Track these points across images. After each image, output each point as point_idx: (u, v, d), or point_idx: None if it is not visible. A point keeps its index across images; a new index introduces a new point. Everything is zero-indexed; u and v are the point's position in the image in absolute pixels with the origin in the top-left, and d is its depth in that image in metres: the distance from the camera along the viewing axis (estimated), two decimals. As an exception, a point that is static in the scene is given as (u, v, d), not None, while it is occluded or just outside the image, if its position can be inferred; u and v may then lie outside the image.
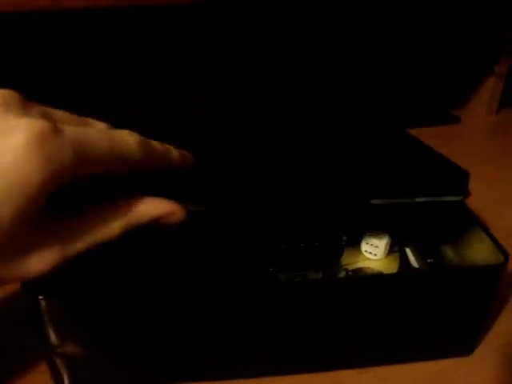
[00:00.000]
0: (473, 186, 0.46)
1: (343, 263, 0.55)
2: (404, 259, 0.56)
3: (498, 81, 0.95)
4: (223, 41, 0.77)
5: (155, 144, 0.38)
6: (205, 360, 0.45)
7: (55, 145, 0.30)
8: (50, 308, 0.39)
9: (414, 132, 0.65)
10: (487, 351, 0.49)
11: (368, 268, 0.54)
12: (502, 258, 0.43)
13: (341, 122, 0.69)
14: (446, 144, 0.86)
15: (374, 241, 0.55)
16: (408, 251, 0.57)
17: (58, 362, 0.43)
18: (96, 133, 0.34)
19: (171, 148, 0.40)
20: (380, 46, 0.84)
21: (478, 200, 0.54)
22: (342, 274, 0.53)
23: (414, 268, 0.55)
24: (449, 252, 0.55)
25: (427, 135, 0.82)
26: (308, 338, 0.45)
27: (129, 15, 0.68)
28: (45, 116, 0.33)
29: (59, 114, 0.36)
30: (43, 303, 0.39)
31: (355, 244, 0.56)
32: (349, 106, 0.82)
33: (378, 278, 0.48)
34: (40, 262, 0.33)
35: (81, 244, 0.35)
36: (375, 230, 0.56)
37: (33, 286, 0.39)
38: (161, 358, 0.44)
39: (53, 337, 0.41)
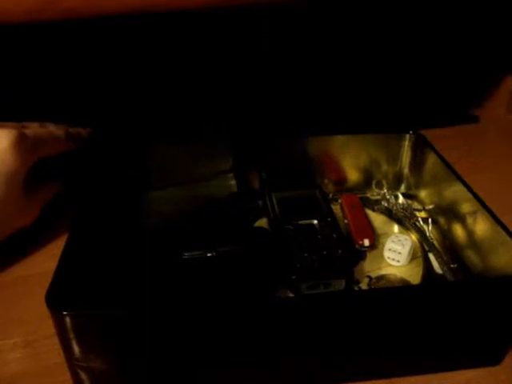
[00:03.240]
0: (493, 186, 0.45)
1: (366, 270, 0.54)
2: (428, 265, 0.55)
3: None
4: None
5: (70, 129, 0.63)
6: (236, 374, 0.44)
7: (24, 143, 0.55)
8: (74, 323, 0.39)
9: (431, 132, 0.65)
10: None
11: (391, 274, 0.54)
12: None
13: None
14: (465, 144, 0.86)
15: (397, 247, 0.54)
16: (431, 257, 0.56)
17: (83, 376, 0.42)
18: (44, 132, 0.60)
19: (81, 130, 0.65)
20: (397, 45, 0.83)
21: (499, 201, 0.52)
22: (365, 280, 0.53)
23: (438, 275, 0.54)
24: (472, 257, 0.54)
25: (445, 135, 0.82)
26: (334, 350, 0.44)
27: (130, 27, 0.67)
28: (16, 127, 0.56)
29: (24, 123, 0.60)
30: (68, 319, 0.38)
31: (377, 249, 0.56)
32: (363, 106, 0.82)
33: (404, 288, 0.47)
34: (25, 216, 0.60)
35: None
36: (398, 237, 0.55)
37: (58, 301, 0.38)
38: (185, 373, 0.43)
39: (77, 351, 0.40)
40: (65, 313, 0.38)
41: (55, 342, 0.42)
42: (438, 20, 0.82)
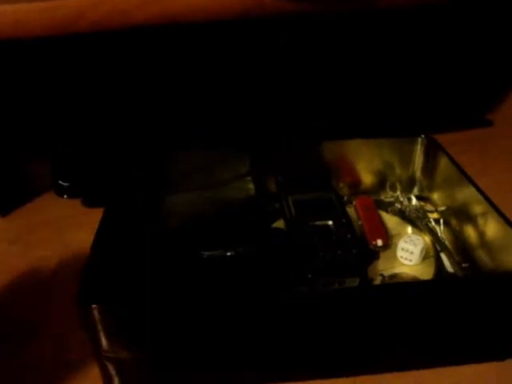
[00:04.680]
0: (506, 188, 0.47)
1: (379, 269, 0.56)
2: (439, 264, 0.57)
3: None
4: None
5: None
6: (254, 365, 0.46)
7: None
8: (101, 316, 0.41)
9: (445, 136, 0.66)
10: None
11: (403, 273, 0.56)
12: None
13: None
14: (478, 147, 0.87)
15: (410, 247, 0.56)
16: (443, 256, 0.58)
17: (109, 366, 0.45)
18: None
19: None
20: (412, 50, 0.84)
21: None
22: (378, 279, 0.55)
23: (450, 274, 0.56)
24: (483, 256, 0.56)
25: (459, 139, 0.83)
26: (347, 343, 0.46)
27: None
28: None
29: None
30: (96, 311, 0.41)
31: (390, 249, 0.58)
32: (377, 110, 0.83)
33: (416, 284, 0.49)
34: None
35: None
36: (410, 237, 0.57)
37: (86, 295, 0.41)
38: (209, 364, 0.45)
39: (104, 343, 0.43)
40: (93, 306, 0.41)
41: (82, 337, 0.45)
42: (452, 23, 0.83)
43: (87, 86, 0.72)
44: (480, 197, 0.55)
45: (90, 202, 0.69)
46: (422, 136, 0.65)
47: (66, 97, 0.72)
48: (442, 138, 0.66)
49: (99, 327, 0.42)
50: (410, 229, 0.62)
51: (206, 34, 0.72)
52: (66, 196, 0.71)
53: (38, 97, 0.72)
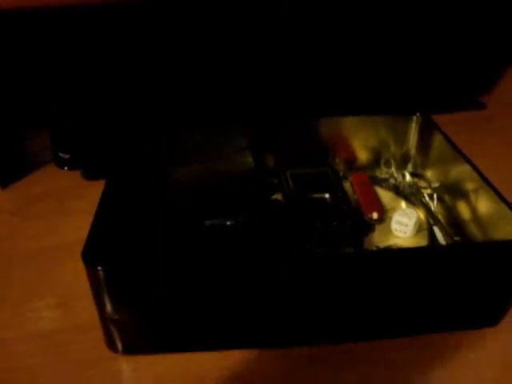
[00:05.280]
0: (498, 168, 0.48)
1: (375, 241, 0.57)
2: (432, 237, 0.59)
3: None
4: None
5: None
6: (251, 328, 0.48)
7: None
8: (107, 277, 0.43)
9: (439, 118, 0.68)
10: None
11: (398, 246, 0.57)
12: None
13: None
14: (472, 128, 0.89)
15: (404, 220, 0.57)
16: (436, 230, 0.59)
17: (112, 328, 0.46)
18: None
19: None
20: (408, 30, 0.85)
21: (504, 182, 0.55)
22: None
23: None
24: (475, 231, 0.57)
25: (452, 120, 0.85)
26: (343, 309, 0.48)
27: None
28: None
29: None
30: (101, 273, 0.42)
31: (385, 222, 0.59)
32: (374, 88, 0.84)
33: (407, 251, 0.51)
34: None
35: None
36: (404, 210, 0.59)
37: (93, 257, 0.42)
38: (211, 325, 0.47)
39: (108, 304, 0.44)
40: (99, 268, 0.42)
41: (86, 304, 0.47)
42: (449, 5, 0.84)
43: (88, 58, 0.72)
44: (473, 173, 0.56)
45: (90, 174, 0.70)
46: (417, 114, 0.67)
47: (66, 68, 0.72)
48: (436, 119, 0.67)
49: (103, 288, 0.43)
50: (404, 204, 0.64)
51: (212, 13, 0.73)
52: (66, 168, 0.72)
53: (38, 68, 0.72)
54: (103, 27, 0.70)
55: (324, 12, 0.77)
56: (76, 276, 0.47)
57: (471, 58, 0.93)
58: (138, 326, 0.46)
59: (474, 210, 0.58)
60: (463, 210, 0.60)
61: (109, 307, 0.45)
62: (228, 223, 0.54)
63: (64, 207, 0.67)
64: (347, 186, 0.66)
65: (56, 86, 0.74)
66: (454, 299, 0.49)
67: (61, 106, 0.74)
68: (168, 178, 0.62)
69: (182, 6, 0.70)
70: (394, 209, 0.62)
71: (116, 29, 0.71)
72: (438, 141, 0.65)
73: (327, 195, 0.59)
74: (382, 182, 0.67)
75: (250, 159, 0.64)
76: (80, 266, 0.43)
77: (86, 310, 0.49)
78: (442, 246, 0.56)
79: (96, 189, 0.53)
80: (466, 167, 0.58)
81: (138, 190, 0.58)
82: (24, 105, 0.74)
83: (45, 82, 0.73)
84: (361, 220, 0.59)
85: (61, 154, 0.71)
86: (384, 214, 0.61)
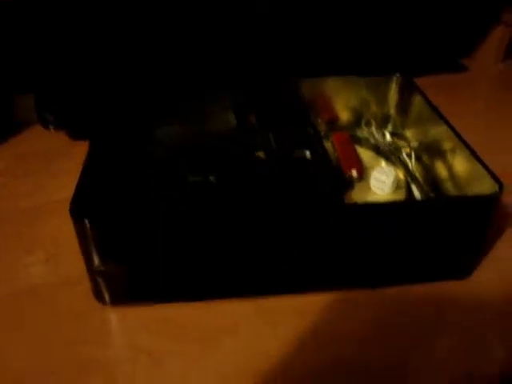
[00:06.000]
0: (478, 129, 0.49)
1: (354, 198, 0.59)
2: (410, 195, 0.61)
3: (505, 30, 0.97)
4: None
5: None
6: (240, 275, 0.50)
7: None
8: (93, 229, 0.44)
9: (420, 80, 0.69)
10: (484, 274, 0.54)
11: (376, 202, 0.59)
12: (497, 187, 0.48)
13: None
14: (452, 91, 0.90)
15: (382, 177, 0.59)
16: (413, 187, 0.61)
17: (100, 280, 0.48)
18: None
19: None
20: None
21: (482, 142, 0.57)
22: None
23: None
24: (451, 188, 0.59)
25: (433, 83, 0.86)
26: (324, 257, 0.50)
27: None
28: None
29: None
30: (88, 225, 0.44)
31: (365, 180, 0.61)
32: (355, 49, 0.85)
33: (383, 205, 0.53)
34: None
35: None
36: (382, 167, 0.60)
37: (79, 210, 0.44)
38: (198, 274, 0.49)
39: (95, 257, 0.46)
40: (86, 220, 0.44)
41: (73, 258, 0.48)
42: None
43: (73, 23, 0.73)
44: (450, 133, 0.58)
45: (76, 134, 0.71)
46: (398, 75, 0.68)
47: (51, 33, 0.73)
48: (418, 81, 0.68)
49: (90, 241, 0.45)
50: (383, 162, 0.65)
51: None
52: (51, 128, 0.72)
53: (24, 35, 0.72)
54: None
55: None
56: (63, 232, 0.49)
57: (454, 21, 0.94)
58: (125, 277, 0.48)
59: (450, 168, 0.59)
60: (440, 168, 0.62)
61: (96, 259, 0.46)
62: (210, 179, 0.56)
63: (50, 167, 0.68)
64: (329, 145, 0.67)
65: (41, 50, 0.74)
66: (430, 252, 0.51)
67: (45, 68, 0.74)
68: (153, 137, 0.63)
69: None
70: (373, 167, 0.63)
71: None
72: (417, 101, 0.66)
73: (308, 153, 0.61)
74: (362, 142, 0.69)
75: (233, 118, 0.65)
76: (67, 222, 0.45)
77: (73, 264, 0.51)
78: (415, 200, 0.58)
79: (82, 148, 0.54)
80: (444, 127, 0.59)
81: (123, 148, 0.59)
82: (9, 68, 0.74)
83: (30, 46, 0.74)
84: (341, 177, 0.61)
85: (46, 115, 0.71)
86: (364, 172, 0.62)
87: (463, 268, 0.54)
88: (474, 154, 0.54)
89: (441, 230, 0.50)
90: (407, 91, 0.68)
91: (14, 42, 0.73)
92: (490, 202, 0.50)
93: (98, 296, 0.50)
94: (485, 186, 0.50)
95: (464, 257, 0.53)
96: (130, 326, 0.50)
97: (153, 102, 0.65)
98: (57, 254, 0.56)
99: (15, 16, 0.71)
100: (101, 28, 0.74)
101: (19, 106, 0.75)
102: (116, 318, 0.51)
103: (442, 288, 0.53)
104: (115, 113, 0.63)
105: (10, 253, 0.57)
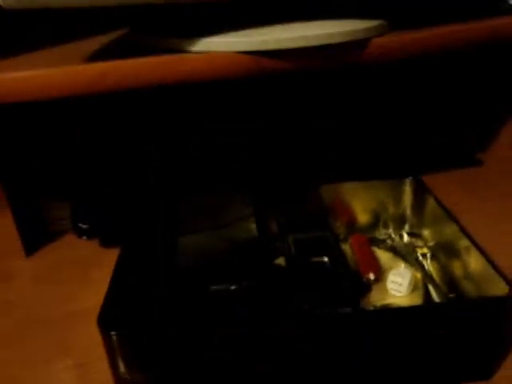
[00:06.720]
0: (496, 224, 0.49)
1: (371, 300, 0.61)
2: (427, 296, 0.62)
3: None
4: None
5: None
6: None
7: None
8: (120, 342, 0.47)
9: (436, 176, 0.72)
10: (506, 375, 0.54)
11: (394, 304, 0.61)
12: (507, 290, 0.49)
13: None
14: (467, 187, 0.92)
15: (398, 279, 0.61)
16: (430, 288, 0.63)
17: (126, 388, 0.50)
18: None
19: None
20: (402, 93, 0.89)
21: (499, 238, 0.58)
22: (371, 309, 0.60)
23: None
24: (468, 287, 0.60)
25: (449, 178, 0.88)
26: (339, 365, 0.51)
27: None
28: None
29: None
30: (115, 338, 0.47)
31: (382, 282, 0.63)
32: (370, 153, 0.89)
33: (400, 310, 0.54)
34: None
35: None
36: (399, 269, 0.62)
37: (107, 322, 0.47)
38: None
39: (121, 365, 0.49)
40: (113, 333, 0.46)
41: (102, 365, 0.51)
42: (441, 66, 0.88)
43: (102, 134, 0.79)
44: (462, 233, 0.60)
45: (107, 242, 0.76)
46: (410, 177, 0.71)
47: (82, 143, 0.79)
48: (433, 179, 0.71)
49: (117, 351, 0.48)
50: (401, 263, 0.67)
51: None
52: (85, 237, 0.77)
53: (56, 143, 0.78)
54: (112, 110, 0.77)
55: (320, 81, 0.82)
56: (93, 339, 0.51)
57: (468, 116, 0.96)
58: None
59: (465, 267, 0.61)
60: (457, 267, 0.63)
61: (122, 368, 0.49)
62: (232, 288, 0.59)
63: (83, 275, 0.72)
64: (347, 247, 0.70)
65: (76, 160, 0.80)
66: (449, 354, 0.52)
67: (78, 180, 0.80)
68: (177, 246, 0.67)
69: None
70: (391, 269, 0.65)
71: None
72: (429, 202, 0.69)
73: (326, 258, 0.64)
74: (380, 243, 0.71)
75: (253, 225, 0.69)
76: (96, 330, 0.48)
77: (101, 371, 0.53)
78: (432, 304, 0.60)
79: (112, 256, 0.59)
80: (455, 227, 0.61)
81: (150, 258, 0.63)
82: (44, 178, 0.80)
83: (66, 156, 0.80)
84: (359, 281, 0.63)
85: (80, 225, 0.76)
86: (381, 275, 0.64)
87: (483, 370, 0.54)
88: (484, 255, 0.56)
89: (457, 332, 0.51)
90: (420, 193, 0.71)
91: (50, 152, 0.79)
92: (501, 303, 0.51)
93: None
94: (500, 286, 0.52)
95: (482, 359, 0.54)
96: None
97: (176, 212, 0.69)
98: (86, 361, 0.59)
99: (51, 127, 0.78)
100: (132, 142, 0.80)
101: (53, 216, 0.80)
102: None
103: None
104: (143, 222, 0.68)
105: (41, 358, 0.60)
